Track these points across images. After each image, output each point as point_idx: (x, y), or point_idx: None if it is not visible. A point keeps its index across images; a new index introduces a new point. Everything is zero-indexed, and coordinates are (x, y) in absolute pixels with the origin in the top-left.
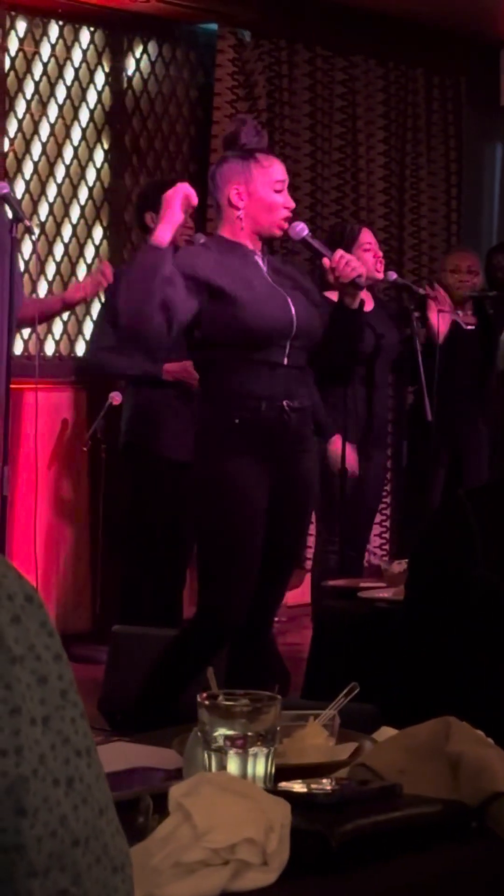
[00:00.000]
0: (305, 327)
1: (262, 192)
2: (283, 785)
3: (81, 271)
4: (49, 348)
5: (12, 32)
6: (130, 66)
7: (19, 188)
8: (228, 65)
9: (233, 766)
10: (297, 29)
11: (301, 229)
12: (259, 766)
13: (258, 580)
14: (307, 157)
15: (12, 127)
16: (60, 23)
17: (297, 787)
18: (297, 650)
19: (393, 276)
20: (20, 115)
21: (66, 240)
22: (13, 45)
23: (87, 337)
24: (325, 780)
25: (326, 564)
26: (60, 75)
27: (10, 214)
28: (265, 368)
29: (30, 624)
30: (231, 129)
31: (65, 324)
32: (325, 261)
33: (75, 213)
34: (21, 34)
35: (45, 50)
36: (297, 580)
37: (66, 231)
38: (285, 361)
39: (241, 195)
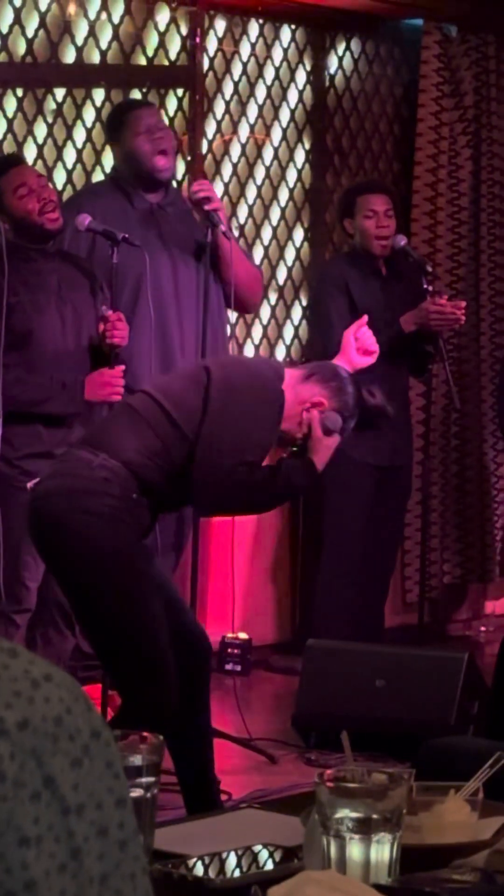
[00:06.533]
0: None
1: None
2: (409, 878)
3: (281, 275)
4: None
5: (211, 32)
6: (333, 63)
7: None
8: (434, 61)
9: (355, 852)
10: None
11: None
12: (383, 852)
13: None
14: None
15: (211, 128)
16: (260, 21)
17: (423, 878)
18: None
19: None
20: (219, 116)
21: (266, 242)
22: (212, 44)
23: (287, 342)
24: (456, 873)
25: None
26: (260, 74)
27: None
28: None
29: (93, 766)
30: None
31: (264, 328)
32: None
33: (275, 215)
34: (220, 34)
35: (245, 49)
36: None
37: (266, 233)
38: None
39: None
